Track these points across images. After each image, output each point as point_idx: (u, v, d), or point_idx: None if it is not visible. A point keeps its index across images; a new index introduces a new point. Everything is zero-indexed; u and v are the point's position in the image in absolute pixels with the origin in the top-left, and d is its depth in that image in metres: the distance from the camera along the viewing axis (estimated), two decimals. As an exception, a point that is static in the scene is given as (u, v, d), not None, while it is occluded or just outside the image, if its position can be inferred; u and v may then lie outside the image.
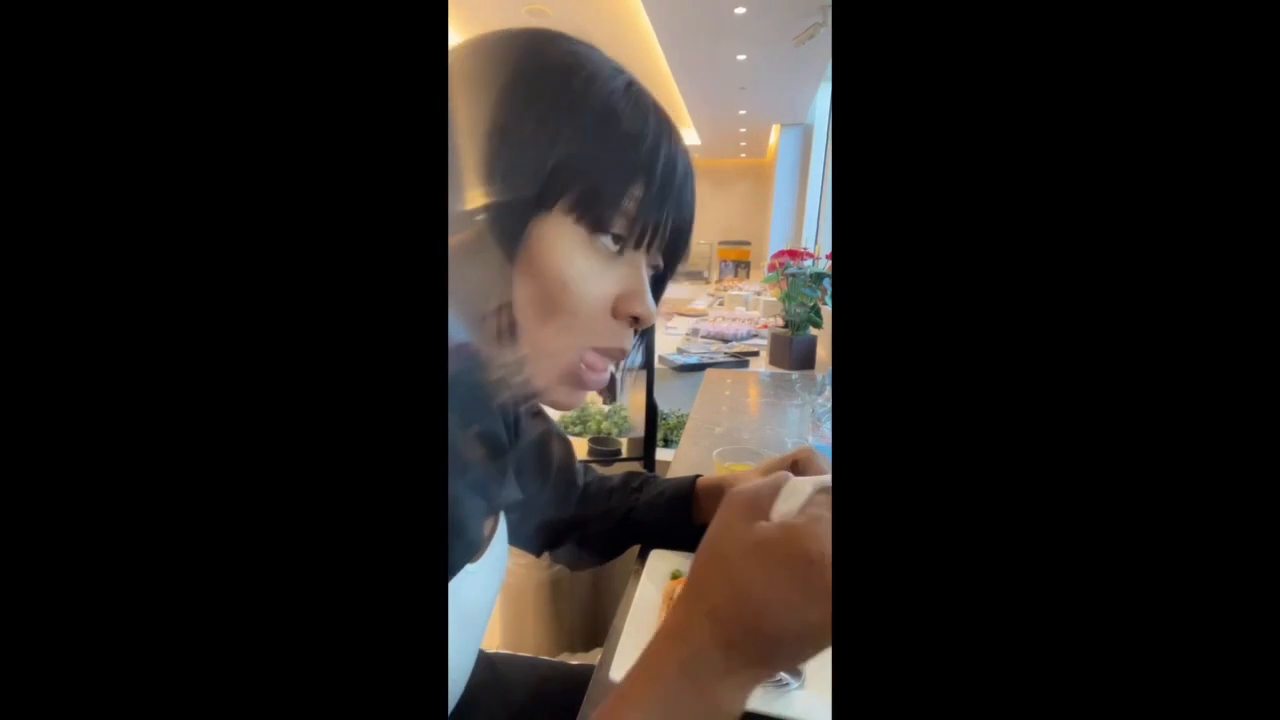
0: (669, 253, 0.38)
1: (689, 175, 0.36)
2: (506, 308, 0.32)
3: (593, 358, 0.35)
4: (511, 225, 0.32)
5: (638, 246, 0.34)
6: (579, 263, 0.33)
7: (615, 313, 0.35)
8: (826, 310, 1.62)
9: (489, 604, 0.44)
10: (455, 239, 0.30)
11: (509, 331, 0.33)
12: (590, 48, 0.36)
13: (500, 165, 0.31)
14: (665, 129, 0.34)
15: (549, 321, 0.33)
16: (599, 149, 0.32)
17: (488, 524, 0.44)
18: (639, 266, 0.35)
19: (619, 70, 0.35)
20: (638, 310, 0.35)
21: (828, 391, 0.79)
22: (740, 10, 3.75)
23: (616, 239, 0.33)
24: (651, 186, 0.33)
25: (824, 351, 1.69)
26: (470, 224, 0.30)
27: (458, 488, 0.39)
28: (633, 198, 0.33)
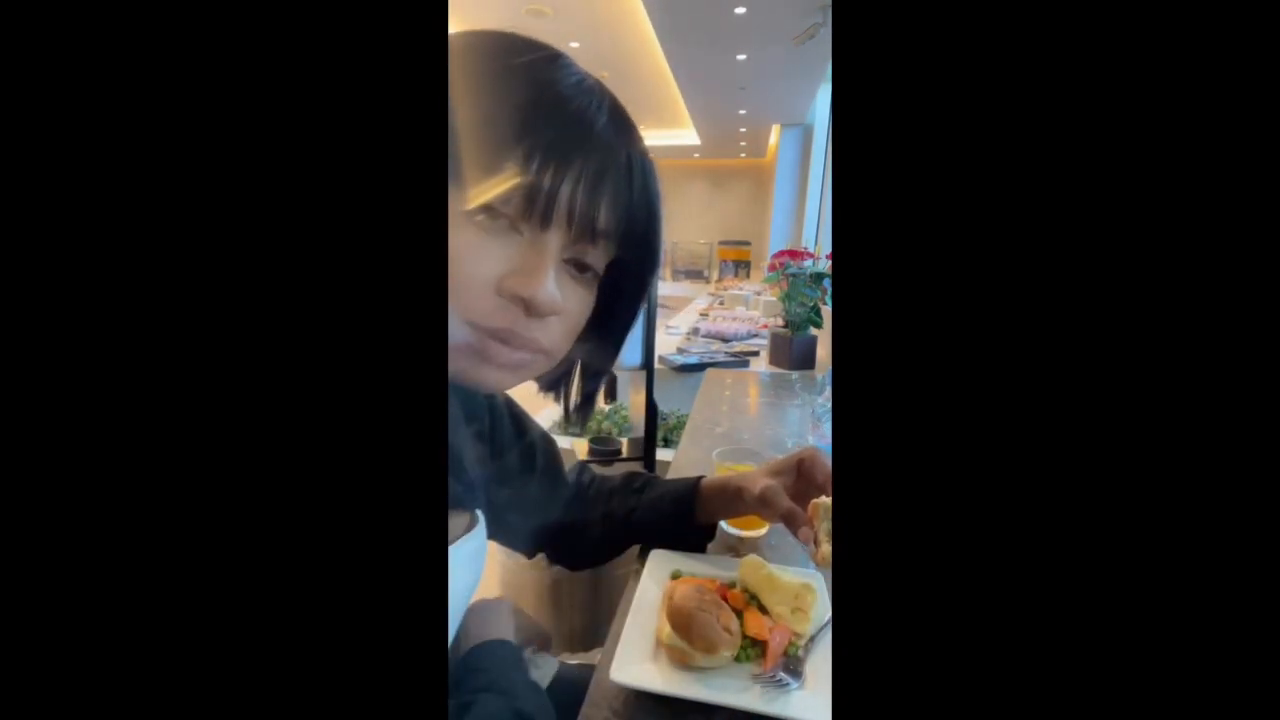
0: (625, 244, 0.35)
1: (628, 157, 0.34)
2: None
3: (478, 334, 0.33)
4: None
5: (528, 221, 0.32)
6: (456, 235, 0.30)
7: (500, 290, 0.32)
8: (826, 310, 1.62)
9: (462, 594, 0.44)
10: None
11: None
12: (533, 40, 0.34)
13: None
14: (580, 106, 0.32)
15: None
16: (483, 117, 0.30)
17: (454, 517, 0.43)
18: (538, 245, 0.32)
19: (554, 53, 0.33)
20: (522, 290, 0.32)
21: (828, 391, 0.79)
22: (740, 10, 3.75)
23: (490, 211, 0.31)
24: (538, 158, 0.30)
25: (824, 351, 1.69)
26: None
27: None
28: (513, 166, 0.30)
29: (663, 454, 1.43)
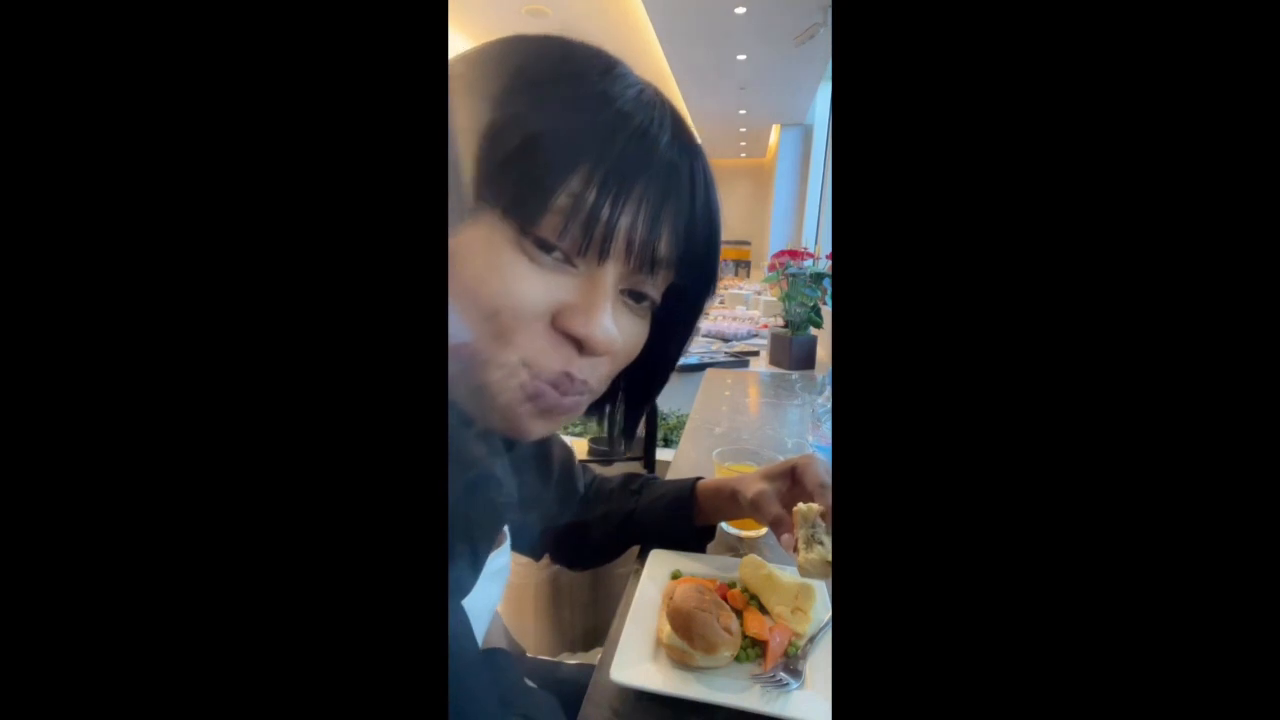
0: (683, 269, 0.32)
1: (692, 181, 0.30)
2: None
3: (529, 377, 0.29)
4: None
5: (584, 255, 0.29)
6: (504, 260, 0.28)
7: (554, 326, 0.29)
8: (826, 310, 1.62)
9: (489, 609, 0.43)
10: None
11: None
12: (586, 46, 0.31)
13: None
14: (641, 122, 0.29)
15: (478, 330, 0.28)
16: (534, 136, 0.27)
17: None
18: (594, 280, 0.29)
19: (610, 62, 0.30)
20: (578, 328, 0.29)
21: (828, 391, 0.79)
22: (740, 10, 3.75)
23: (543, 245, 0.28)
24: (596, 184, 0.27)
25: (824, 351, 1.69)
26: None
27: (472, 506, 0.35)
28: (568, 194, 0.27)
29: (663, 454, 1.43)
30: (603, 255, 0.29)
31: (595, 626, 0.88)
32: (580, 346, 0.29)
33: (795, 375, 1.58)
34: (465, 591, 0.36)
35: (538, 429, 0.32)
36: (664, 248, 0.30)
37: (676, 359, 0.39)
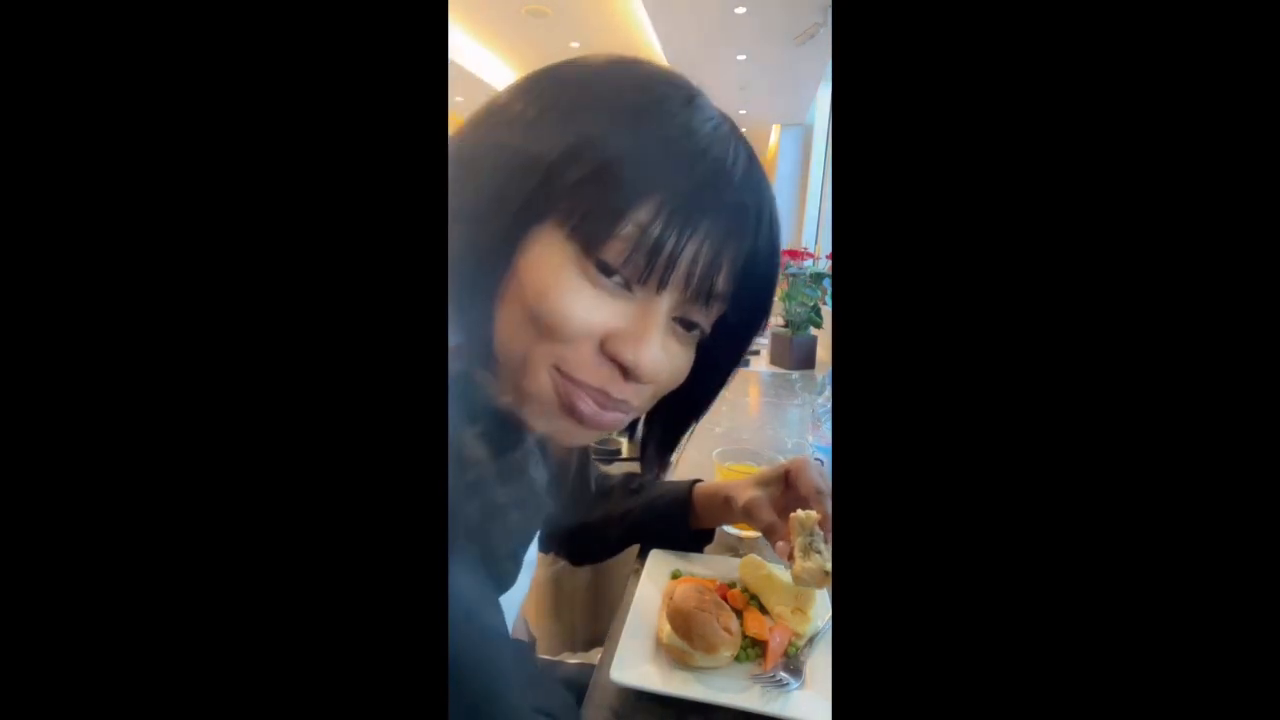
0: (737, 304, 0.32)
1: (758, 211, 0.30)
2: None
3: (569, 387, 0.30)
4: (503, 230, 0.28)
5: (643, 283, 0.29)
6: (564, 278, 0.28)
7: (602, 348, 0.30)
8: (826, 310, 1.62)
9: (517, 602, 0.43)
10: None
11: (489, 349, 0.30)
12: (670, 74, 0.32)
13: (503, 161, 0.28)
14: (718, 157, 0.29)
15: (529, 338, 0.29)
16: (609, 162, 0.27)
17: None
18: (649, 308, 0.30)
19: (691, 92, 0.30)
20: (626, 354, 0.29)
21: (828, 391, 0.79)
22: (740, 10, 3.75)
23: (605, 268, 0.28)
24: (664, 215, 0.27)
25: (824, 351, 1.69)
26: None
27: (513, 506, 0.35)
28: (635, 224, 0.28)
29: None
30: (661, 285, 0.29)
31: (595, 626, 0.88)
32: (625, 371, 0.30)
33: (795, 375, 1.58)
34: (507, 587, 0.36)
35: (576, 437, 0.33)
36: (722, 282, 0.31)
37: (719, 389, 0.40)
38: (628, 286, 0.29)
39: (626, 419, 0.33)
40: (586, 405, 0.31)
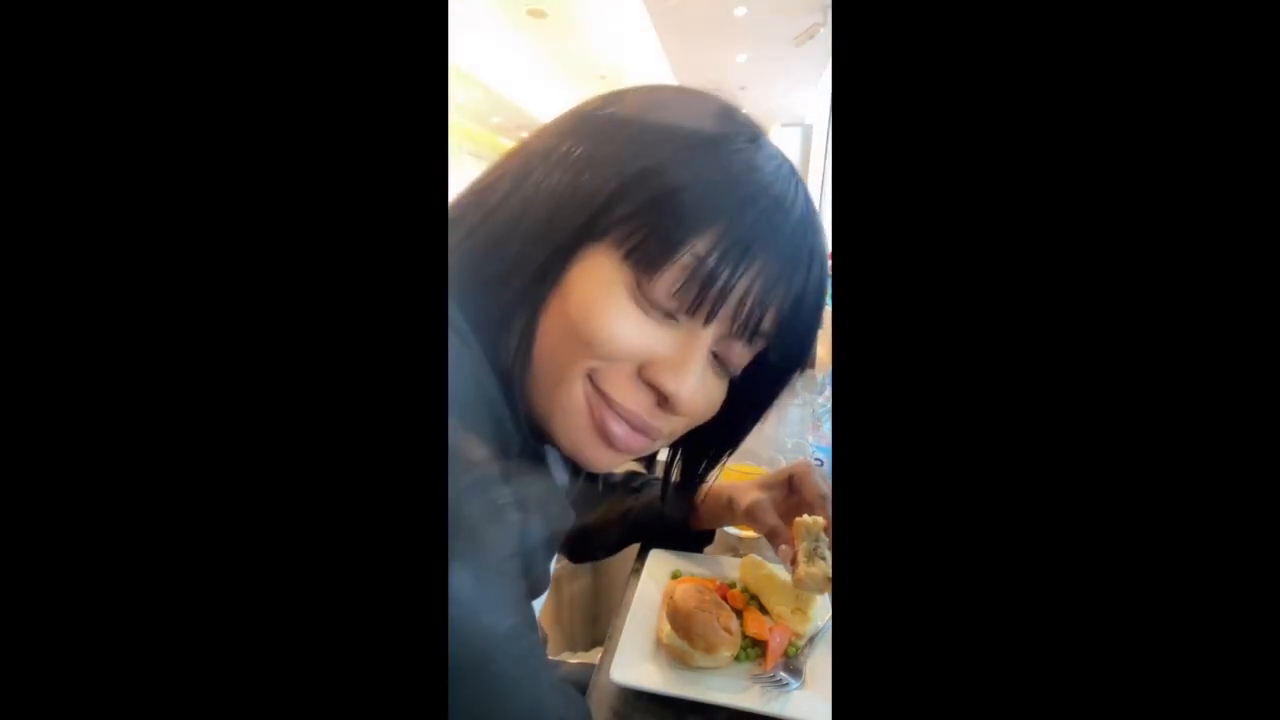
0: (778, 344, 0.32)
1: (811, 253, 0.30)
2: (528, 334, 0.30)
3: (604, 408, 0.30)
4: (557, 247, 0.28)
5: (691, 314, 0.29)
6: (614, 301, 0.28)
7: (641, 374, 0.30)
8: (826, 310, 1.61)
9: (538, 601, 0.43)
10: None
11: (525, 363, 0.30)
12: (738, 111, 0.32)
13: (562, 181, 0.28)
14: (778, 195, 0.29)
15: (571, 353, 0.29)
16: (672, 192, 0.27)
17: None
18: (693, 339, 0.30)
19: (756, 131, 0.31)
20: (666, 384, 0.29)
21: (828, 391, 0.79)
22: (740, 10, 3.75)
23: (654, 297, 0.28)
24: (721, 249, 0.27)
25: (824, 351, 1.69)
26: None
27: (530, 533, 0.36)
28: (693, 253, 0.28)
29: (663, 453, 1.42)
30: (710, 317, 0.29)
31: (595, 626, 0.88)
32: (662, 399, 0.30)
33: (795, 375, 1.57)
34: (541, 591, 0.36)
35: (602, 460, 0.33)
36: (768, 321, 0.31)
37: (751, 427, 0.40)
38: (674, 316, 0.29)
39: (653, 447, 0.33)
40: (619, 427, 0.31)
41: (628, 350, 0.29)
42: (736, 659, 0.47)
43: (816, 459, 0.74)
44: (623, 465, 0.36)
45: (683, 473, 0.42)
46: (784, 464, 0.69)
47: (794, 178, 0.31)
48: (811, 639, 0.49)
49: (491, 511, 0.29)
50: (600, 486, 0.64)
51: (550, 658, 0.71)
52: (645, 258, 0.28)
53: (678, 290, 0.28)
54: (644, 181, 0.28)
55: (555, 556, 0.45)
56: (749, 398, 0.36)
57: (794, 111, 6.47)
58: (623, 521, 0.62)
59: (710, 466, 0.42)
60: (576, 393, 0.30)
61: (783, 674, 0.45)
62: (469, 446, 0.30)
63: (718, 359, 0.32)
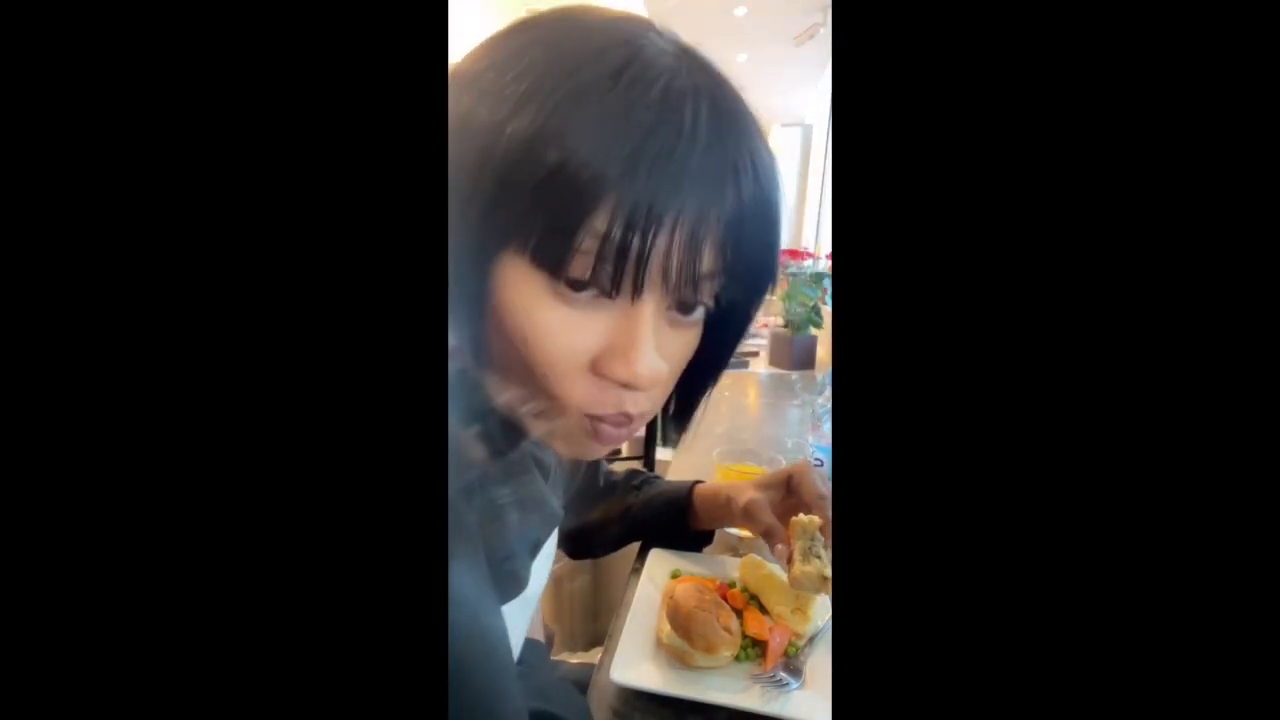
0: (735, 272, 0.28)
1: (737, 176, 0.26)
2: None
3: (584, 422, 0.29)
4: (479, 265, 0.26)
5: (614, 295, 0.26)
6: (539, 309, 0.26)
7: (595, 372, 0.28)
8: (826, 310, 1.62)
9: (536, 595, 0.42)
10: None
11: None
12: (598, 33, 0.27)
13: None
14: (676, 120, 0.25)
15: (528, 372, 0.28)
16: (546, 170, 0.24)
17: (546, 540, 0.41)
18: (630, 318, 0.27)
19: (627, 53, 0.25)
20: (620, 373, 0.27)
21: (828, 391, 0.79)
22: (740, 10, 3.75)
23: (575, 284, 0.26)
24: (622, 220, 0.24)
25: (824, 351, 1.69)
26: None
27: (508, 534, 0.35)
28: (592, 234, 0.24)
29: (663, 453, 1.42)
30: (637, 290, 0.26)
31: (595, 626, 0.88)
32: (627, 387, 0.28)
33: (795, 375, 1.58)
34: (512, 592, 0.36)
35: (599, 452, 0.32)
36: (706, 263, 0.27)
37: (729, 357, 0.37)
38: (605, 294, 0.26)
39: (642, 422, 0.32)
40: (608, 430, 0.30)
41: (571, 356, 0.27)
42: (736, 659, 0.47)
43: (816, 459, 0.74)
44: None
45: (675, 413, 0.39)
46: (784, 464, 0.70)
47: (690, 90, 0.25)
48: (811, 639, 0.49)
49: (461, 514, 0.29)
50: (600, 484, 0.64)
51: (550, 658, 0.71)
52: (546, 255, 0.25)
53: (590, 276, 0.25)
54: (518, 170, 0.24)
55: (554, 556, 0.44)
56: (718, 332, 0.33)
57: (794, 111, 6.47)
58: (623, 520, 0.62)
59: (696, 402, 0.40)
60: (548, 406, 0.29)
61: (783, 674, 0.45)
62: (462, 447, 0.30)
63: (678, 309, 0.29)
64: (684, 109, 0.25)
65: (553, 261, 0.25)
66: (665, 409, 0.39)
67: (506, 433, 0.32)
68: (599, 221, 0.24)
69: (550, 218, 0.24)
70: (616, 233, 0.24)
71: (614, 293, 0.26)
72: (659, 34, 0.28)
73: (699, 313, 0.30)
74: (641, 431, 1.35)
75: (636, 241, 0.24)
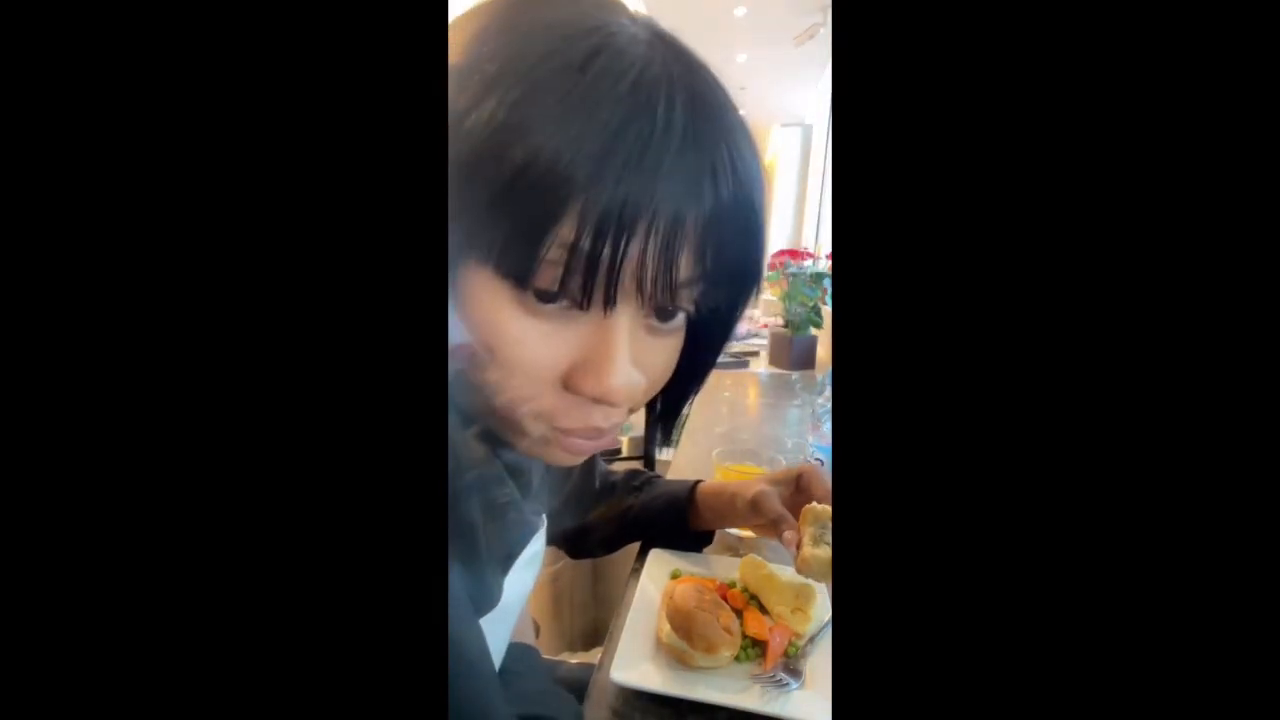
0: (716, 275, 0.26)
1: (715, 173, 0.24)
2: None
3: (553, 434, 0.28)
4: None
5: (586, 307, 0.24)
6: (507, 322, 0.24)
7: (566, 387, 0.26)
8: (826, 310, 1.62)
9: (522, 597, 0.42)
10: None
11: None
12: (563, 21, 0.24)
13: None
14: (650, 113, 0.23)
15: (500, 387, 0.26)
16: (512, 177, 0.22)
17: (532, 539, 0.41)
18: (601, 331, 0.25)
19: (595, 43, 0.23)
20: (593, 389, 0.25)
21: (828, 391, 0.79)
22: (740, 10, 3.75)
23: (544, 296, 0.24)
24: (590, 229, 0.22)
25: (824, 351, 1.69)
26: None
27: (496, 517, 0.34)
28: (559, 244, 0.23)
29: (662, 454, 1.43)
30: (610, 301, 0.24)
31: (595, 626, 0.88)
32: (600, 402, 0.27)
33: (795, 375, 1.58)
34: (492, 604, 0.35)
35: (567, 461, 0.30)
36: (684, 270, 0.25)
37: (714, 362, 0.36)
38: (577, 305, 0.25)
39: (616, 432, 0.31)
40: (576, 442, 0.29)
41: (541, 369, 0.26)
42: (736, 659, 0.47)
43: (816, 459, 0.74)
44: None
45: (660, 419, 0.39)
46: (784, 464, 0.70)
47: (663, 80, 0.23)
48: (811, 639, 0.49)
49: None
50: (598, 485, 0.64)
51: (550, 658, 0.71)
52: (511, 266, 0.23)
53: (560, 287, 0.24)
54: (477, 171, 0.22)
55: (539, 565, 0.44)
56: (701, 338, 0.32)
57: (794, 111, 6.47)
58: (622, 520, 0.62)
59: (679, 409, 0.39)
60: (531, 423, 0.28)
61: (783, 674, 0.45)
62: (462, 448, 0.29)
63: (656, 317, 0.27)
64: (657, 103, 0.23)
65: (518, 272, 0.23)
66: (650, 414, 0.38)
67: (482, 443, 0.31)
68: (566, 230, 0.22)
69: (513, 225, 0.22)
70: (585, 242, 0.22)
71: (585, 304, 0.24)
72: (632, 19, 0.26)
73: (680, 319, 0.29)
74: (641, 432, 1.35)
75: (607, 251, 0.23)
